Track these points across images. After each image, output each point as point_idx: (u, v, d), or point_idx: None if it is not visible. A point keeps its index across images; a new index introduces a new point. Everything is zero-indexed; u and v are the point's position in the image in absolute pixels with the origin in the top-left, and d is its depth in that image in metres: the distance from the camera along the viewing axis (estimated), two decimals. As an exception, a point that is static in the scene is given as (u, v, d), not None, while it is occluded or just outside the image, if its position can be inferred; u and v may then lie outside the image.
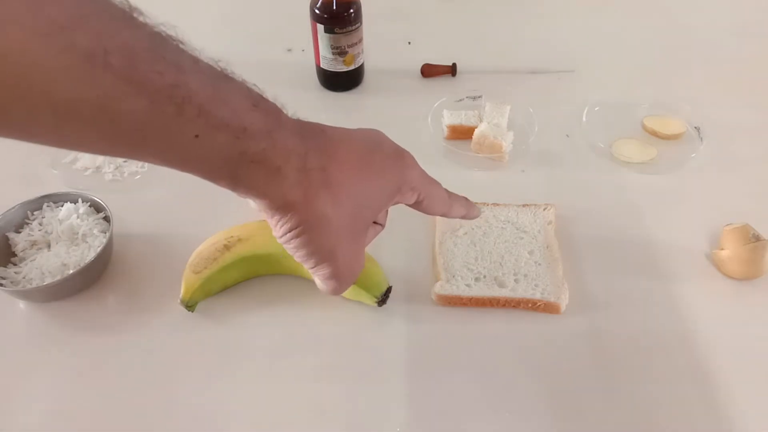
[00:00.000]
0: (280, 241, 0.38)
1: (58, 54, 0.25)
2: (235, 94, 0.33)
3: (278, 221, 0.37)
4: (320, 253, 0.38)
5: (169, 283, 0.57)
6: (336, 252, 0.38)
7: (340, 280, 0.39)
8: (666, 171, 0.69)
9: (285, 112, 0.36)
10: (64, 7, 0.26)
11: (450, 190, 0.67)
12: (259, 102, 0.34)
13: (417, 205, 0.43)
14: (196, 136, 0.31)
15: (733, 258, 0.56)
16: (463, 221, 0.61)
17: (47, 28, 0.25)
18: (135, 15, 0.30)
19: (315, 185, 0.36)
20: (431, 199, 0.43)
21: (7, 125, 0.27)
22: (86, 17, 0.26)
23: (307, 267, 0.39)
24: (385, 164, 0.40)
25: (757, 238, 0.57)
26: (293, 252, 0.38)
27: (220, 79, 0.34)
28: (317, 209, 0.36)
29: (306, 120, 0.38)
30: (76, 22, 0.26)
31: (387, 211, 0.45)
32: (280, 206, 0.36)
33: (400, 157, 0.42)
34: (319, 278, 0.40)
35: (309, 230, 0.37)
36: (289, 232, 0.37)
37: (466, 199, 0.46)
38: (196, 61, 0.33)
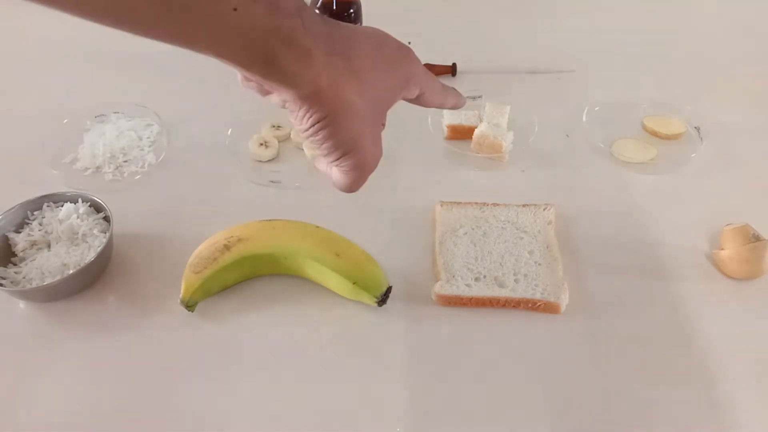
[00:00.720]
0: (306, 134, 0.39)
1: None
2: None
3: (306, 112, 0.37)
4: (346, 143, 0.39)
5: (169, 283, 0.57)
6: (361, 140, 0.39)
7: (363, 170, 0.40)
8: (666, 171, 0.69)
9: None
10: None
11: (450, 190, 0.68)
12: None
13: (417, 99, 0.44)
14: (235, 9, 0.32)
15: (733, 258, 0.56)
16: (463, 221, 0.61)
17: None
18: None
19: (341, 71, 0.37)
20: (431, 92, 0.44)
21: None
22: None
23: (330, 160, 0.40)
24: (394, 57, 0.41)
25: (757, 238, 0.57)
26: (319, 144, 0.39)
27: None
28: (345, 96, 0.37)
29: None
30: None
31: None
32: (309, 94, 0.36)
33: (406, 51, 0.42)
34: (342, 170, 0.41)
35: (336, 119, 0.37)
36: (318, 122, 0.37)
37: (455, 89, 0.47)
38: None
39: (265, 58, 0.35)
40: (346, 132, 0.38)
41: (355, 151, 0.39)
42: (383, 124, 0.44)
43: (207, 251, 0.56)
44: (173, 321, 0.55)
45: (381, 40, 0.41)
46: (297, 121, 0.38)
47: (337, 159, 0.40)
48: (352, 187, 0.42)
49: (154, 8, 0.32)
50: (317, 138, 0.38)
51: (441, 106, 0.47)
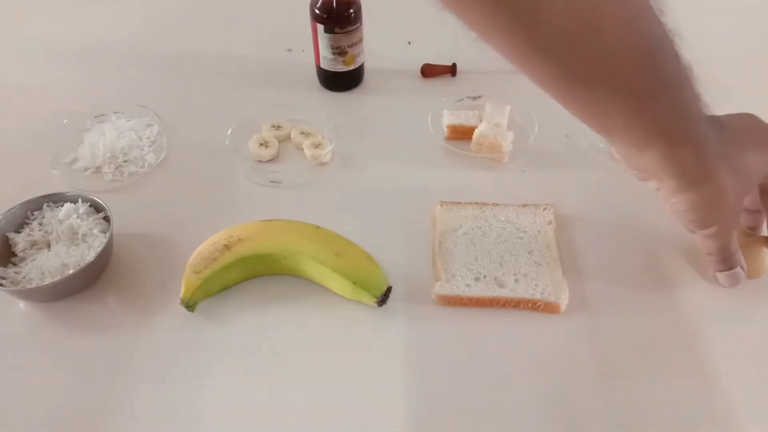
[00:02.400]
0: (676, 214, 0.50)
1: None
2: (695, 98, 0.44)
3: (680, 202, 0.49)
4: (710, 221, 0.50)
5: (169, 283, 0.57)
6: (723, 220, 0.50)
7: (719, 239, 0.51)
8: (666, 171, 0.69)
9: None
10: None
11: (450, 190, 0.67)
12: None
13: None
14: (662, 114, 0.42)
15: None
16: (463, 221, 0.61)
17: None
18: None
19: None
20: None
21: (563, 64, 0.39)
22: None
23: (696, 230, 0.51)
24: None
25: (750, 234, 0.56)
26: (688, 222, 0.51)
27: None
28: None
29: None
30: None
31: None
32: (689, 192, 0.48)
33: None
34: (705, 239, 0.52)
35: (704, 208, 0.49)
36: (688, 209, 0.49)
37: None
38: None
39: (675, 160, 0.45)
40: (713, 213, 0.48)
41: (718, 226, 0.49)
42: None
43: (207, 251, 0.56)
44: (173, 321, 0.55)
45: (744, 121, 0.49)
46: (668, 204, 0.49)
47: (698, 229, 0.50)
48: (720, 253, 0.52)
49: (588, 101, 0.42)
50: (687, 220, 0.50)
51: None
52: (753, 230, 0.57)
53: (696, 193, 0.47)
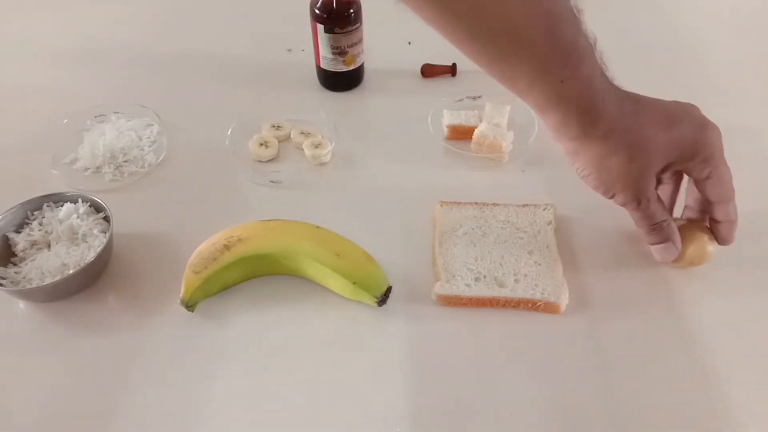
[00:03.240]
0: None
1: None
2: (597, 71, 0.48)
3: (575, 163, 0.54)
4: (605, 184, 0.54)
5: (169, 283, 0.57)
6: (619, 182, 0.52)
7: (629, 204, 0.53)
8: (666, 171, 0.69)
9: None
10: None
11: (450, 190, 0.67)
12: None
13: (702, 182, 0.52)
14: (562, 81, 0.46)
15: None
16: (463, 221, 0.61)
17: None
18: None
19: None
20: (719, 181, 0.52)
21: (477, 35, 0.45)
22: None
23: (601, 194, 0.55)
24: (675, 114, 0.51)
25: (691, 222, 0.56)
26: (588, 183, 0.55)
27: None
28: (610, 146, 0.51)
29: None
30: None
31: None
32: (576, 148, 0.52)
33: (688, 110, 0.52)
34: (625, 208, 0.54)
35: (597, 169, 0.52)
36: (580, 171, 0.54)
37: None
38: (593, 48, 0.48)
39: (569, 124, 0.49)
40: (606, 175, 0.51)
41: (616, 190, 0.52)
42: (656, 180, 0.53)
43: (207, 251, 0.56)
44: (173, 321, 0.55)
45: (682, 111, 0.52)
46: (575, 170, 0.54)
47: (604, 195, 0.53)
48: (639, 222, 0.54)
49: (494, 56, 0.47)
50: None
51: (724, 205, 0.53)
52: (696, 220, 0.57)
53: (590, 158, 0.51)
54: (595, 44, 0.48)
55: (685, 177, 0.56)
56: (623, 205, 0.53)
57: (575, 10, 0.46)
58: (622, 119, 0.49)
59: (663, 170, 0.52)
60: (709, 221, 0.56)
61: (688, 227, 0.56)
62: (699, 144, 0.51)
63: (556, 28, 0.45)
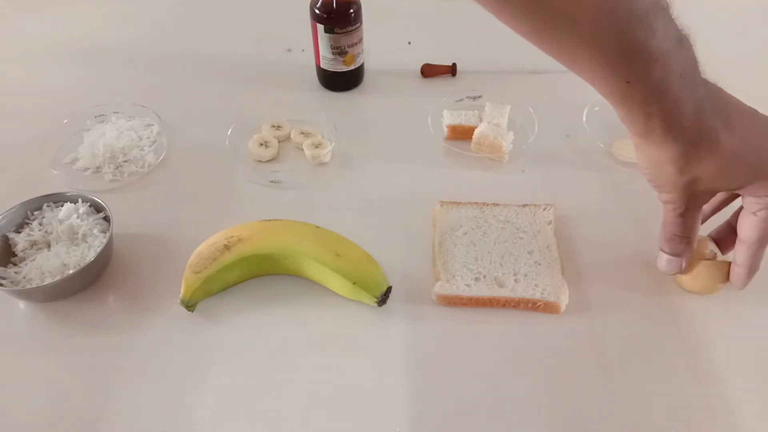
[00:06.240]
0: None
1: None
2: (674, 74, 0.44)
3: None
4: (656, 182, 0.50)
5: (169, 283, 0.57)
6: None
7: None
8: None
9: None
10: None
11: (450, 190, 0.67)
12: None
13: (748, 216, 0.50)
14: (628, 82, 0.43)
15: (686, 270, 0.54)
16: (462, 221, 0.61)
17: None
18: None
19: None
20: (762, 222, 0.49)
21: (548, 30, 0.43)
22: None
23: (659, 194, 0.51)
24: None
25: (714, 256, 0.55)
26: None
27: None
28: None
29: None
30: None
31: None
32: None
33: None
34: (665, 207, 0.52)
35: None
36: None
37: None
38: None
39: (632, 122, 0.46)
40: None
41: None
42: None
43: (207, 251, 0.56)
44: (173, 321, 0.55)
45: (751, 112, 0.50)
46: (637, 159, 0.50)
47: (655, 189, 0.50)
48: (669, 229, 0.52)
49: (557, 51, 0.45)
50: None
51: (746, 256, 0.51)
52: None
53: (649, 157, 0.48)
54: (681, 42, 0.44)
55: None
56: (667, 203, 0.51)
57: (656, 7, 0.43)
58: (694, 131, 0.45)
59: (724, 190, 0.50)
60: (731, 265, 0.53)
61: (711, 265, 0.54)
62: None
63: (623, 27, 0.42)
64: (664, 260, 0.54)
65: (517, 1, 0.42)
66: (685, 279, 0.55)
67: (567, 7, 0.41)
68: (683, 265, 0.53)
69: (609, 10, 0.41)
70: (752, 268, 0.51)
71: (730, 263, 0.53)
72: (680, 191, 0.48)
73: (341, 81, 0.79)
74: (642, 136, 0.47)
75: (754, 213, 0.49)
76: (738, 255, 0.51)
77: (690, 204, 0.49)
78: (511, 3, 0.42)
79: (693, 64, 0.45)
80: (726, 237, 0.55)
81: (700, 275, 0.54)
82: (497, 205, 0.63)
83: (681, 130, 0.45)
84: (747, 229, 0.50)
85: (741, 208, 0.51)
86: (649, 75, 0.43)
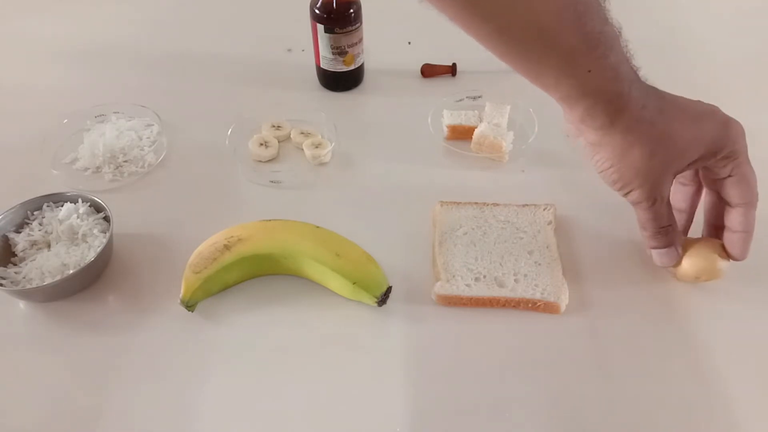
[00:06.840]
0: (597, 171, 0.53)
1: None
2: (624, 60, 0.47)
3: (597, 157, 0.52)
4: (624, 178, 0.52)
5: (169, 283, 0.57)
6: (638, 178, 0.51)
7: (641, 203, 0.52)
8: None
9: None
10: None
11: (450, 190, 0.67)
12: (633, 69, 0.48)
13: (723, 181, 0.51)
14: (589, 71, 0.45)
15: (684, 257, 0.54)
16: (462, 221, 0.61)
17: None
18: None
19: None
20: (742, 179, 0.50)
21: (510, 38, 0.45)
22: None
23: (615, 190, 0.53)
24: (700, 114, 0.50)
25: (699, 240, 0.55)
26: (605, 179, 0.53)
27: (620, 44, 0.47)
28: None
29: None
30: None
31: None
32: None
33: (713, 112, 0.51)
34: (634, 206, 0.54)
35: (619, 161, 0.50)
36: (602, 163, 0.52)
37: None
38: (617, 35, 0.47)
39: (596, 114, 0.48)
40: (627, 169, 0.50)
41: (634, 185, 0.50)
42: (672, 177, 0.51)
43: (207, 251, 0.56)
44: (173, 321, 0.55)
45: (689, 101, 0.50)
46: (593, 164, 0.52)
47: (620, 191, 0.52)
48: (645, 225, 0.53)
49: (521, 53, 0.46)
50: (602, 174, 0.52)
51: (746, 207, 0.51)
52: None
53: (612, 149, 0.49)
54: (620, 33, 0.47)
55: (703, 195, 0.56)
56: (637, 203, 0.52)
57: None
58: (648, 111, 0.48)
59: (683, 168, 0.51)
60: (724, 234, 0.53)
61: (701, 243, 0.54)
62: (722, 140, 0.49)
63: (584, 19, 0.44)
64: (659, 256, 0.54)
65: (483, 8, 0.44)
66: (685, 267, 0.54)
67: (532, 12, 0.43)
68: (679, 251, 0.54)
69: (572, 6, 0.43)
70: (750, 231, 0.52)
71: (720, 241, 0.54)
72: (647, 178, 0.49)
73: (341, 81, 0.79)
74: (605, 128, 0.48)
75: (729, 176, 0.50)
76: (734, 220, 0.52)
77: (657, 193, 0.50)
78: (478, 6, 0.44)
79: (626, 50, 0.48)
80: (717, 230, 0.56)
81: (697, 256, 0.53)
82: (497, 205, 0.63)
83: (641, 111, 0.47)
84: (734, 192, 0.51)
85: (713, 201, 0.54)
86: (607, 62, 0.45)
